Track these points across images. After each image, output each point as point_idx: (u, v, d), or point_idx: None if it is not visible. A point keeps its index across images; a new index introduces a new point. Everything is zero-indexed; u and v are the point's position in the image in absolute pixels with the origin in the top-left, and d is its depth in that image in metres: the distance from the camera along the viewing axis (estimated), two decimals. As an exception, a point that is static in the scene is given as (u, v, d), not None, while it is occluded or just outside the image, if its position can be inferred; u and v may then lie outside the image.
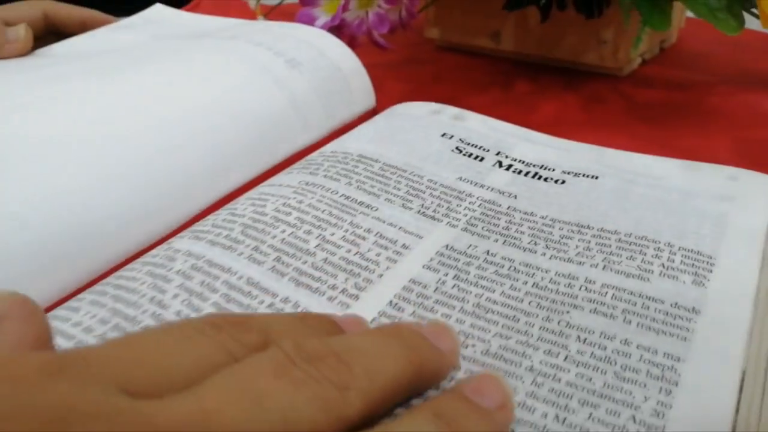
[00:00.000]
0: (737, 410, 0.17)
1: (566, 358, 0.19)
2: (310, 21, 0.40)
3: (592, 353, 0.19)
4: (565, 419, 0.17)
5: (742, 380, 0.18)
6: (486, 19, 0.51)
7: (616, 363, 0.19)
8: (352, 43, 0.41)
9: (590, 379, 0.18)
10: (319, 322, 0.18)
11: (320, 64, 0.35)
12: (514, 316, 0.21)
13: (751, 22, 0.43)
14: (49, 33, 0.43)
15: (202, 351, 0.15)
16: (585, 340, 0.20)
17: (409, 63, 0.53)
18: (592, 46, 0.47)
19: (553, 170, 0.30)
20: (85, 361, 0.13)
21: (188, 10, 0.59)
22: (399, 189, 0.27)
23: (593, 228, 0.25)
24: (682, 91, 0.46)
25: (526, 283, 0.22)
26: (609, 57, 0.47)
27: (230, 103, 0.30)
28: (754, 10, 0.41)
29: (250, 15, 0.53)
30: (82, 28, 0.44)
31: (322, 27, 0.40)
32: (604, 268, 0.23)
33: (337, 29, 0.40)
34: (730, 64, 0.51)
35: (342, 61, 0.36)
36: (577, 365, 0.19)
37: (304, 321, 0.18)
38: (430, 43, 0.56)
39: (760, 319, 0.21)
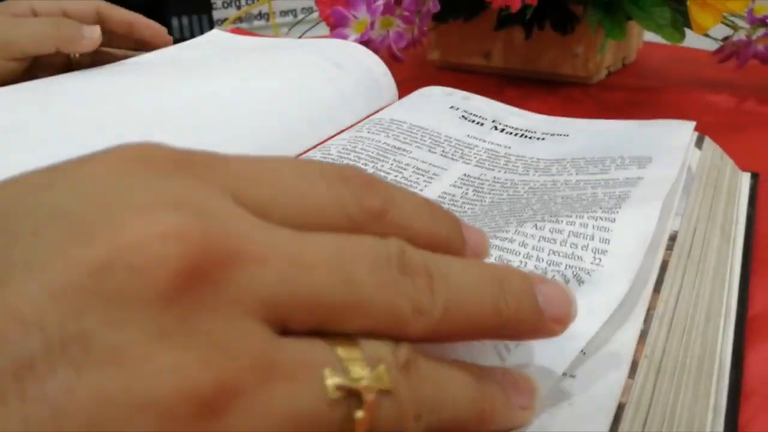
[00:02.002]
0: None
1: (555, 207, 0.29)
2: (343, 38, 0.51)
3: (571, 204, 0.29)
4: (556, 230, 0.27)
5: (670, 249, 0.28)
6: (478, 41, 0.62)
7: (587, 201, 0.29)
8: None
9: (572, 209, 0.28)
10: (445, 219, 0.18)
11: (357, 67, 0.45)
12: (518, 201, 0.31)
13: (695, 42, 0.54)
14: None
15: (318, 199, 0.15)
16: (567, 199, 0.29)
17: (416, 80, 0.63)
18: (567, 58, 0.58)
19: (535, 132, 0.40)
20: (208, 166, 0.14)
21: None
22: (424, 141, 0.37)
23: (568, 158, 0.35)
24: (640, 93, 0.57)
25: (524, 188, 0.32)
26: (581, 67, 0.58)
27: (298, 94, 0.41)
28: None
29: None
30: (129, 29, 0.49)
31: (353, 42, 0.50)
32: (577, 173, 0.33)
33: (364, 44, 0.51)
34: (678, 74, 0.62)
35: (372, 65, 0.47)
36: (563, 206, 0.29)
37: (432, 210, 0.18)
38: (431, 64, 0.67)
39: (691, 202, 0.30)
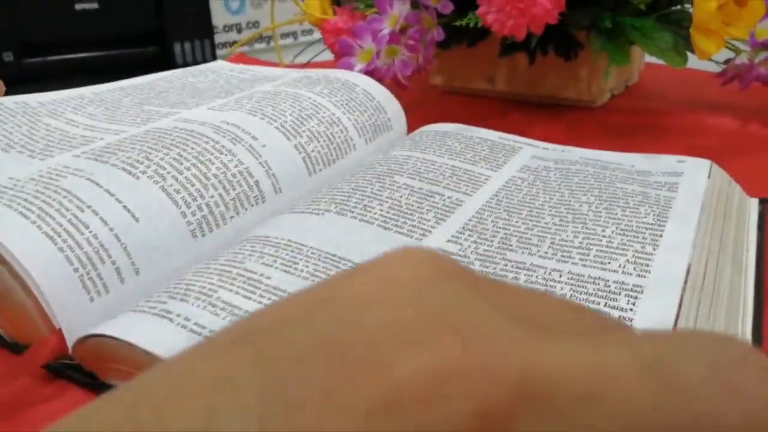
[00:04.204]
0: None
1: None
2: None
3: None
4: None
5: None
6: (482, 65, 0.62)
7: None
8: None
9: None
10: None
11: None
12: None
13: (696, 64, 0.55)
14: None
15: None
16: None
17: (420, 105, 0.64)
18: (570, 83, 0.59)
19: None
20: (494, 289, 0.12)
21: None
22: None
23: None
24: (643, 115, 0.58)
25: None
26: (584, 91, 0.58)
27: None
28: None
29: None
30: None
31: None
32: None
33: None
34: (680, 95, 0.63)
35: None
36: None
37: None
38: (435, 89, 0.68)
39: (702, 232, 0.31)
